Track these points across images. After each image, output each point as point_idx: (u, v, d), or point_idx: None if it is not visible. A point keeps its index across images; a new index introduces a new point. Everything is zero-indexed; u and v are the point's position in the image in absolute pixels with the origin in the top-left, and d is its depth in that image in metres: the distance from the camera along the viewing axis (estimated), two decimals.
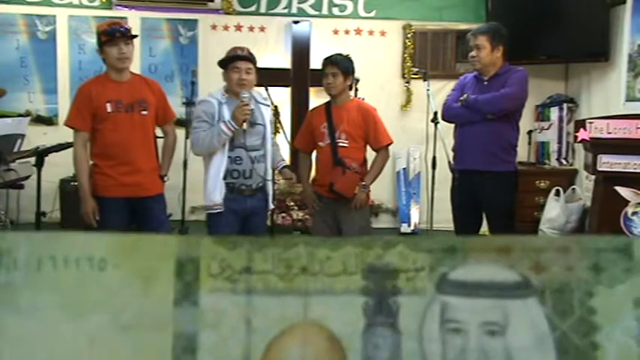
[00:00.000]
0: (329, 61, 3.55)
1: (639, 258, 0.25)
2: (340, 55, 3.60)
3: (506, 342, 0.25)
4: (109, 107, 3.17)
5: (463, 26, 5.80)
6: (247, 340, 0.26)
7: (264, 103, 3.44)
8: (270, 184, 3.45)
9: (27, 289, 0.27)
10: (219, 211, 3.25)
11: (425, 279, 0.27)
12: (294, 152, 5.53)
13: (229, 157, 3.26)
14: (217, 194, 3.23)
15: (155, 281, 0.27)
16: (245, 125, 3.18)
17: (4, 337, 0.26)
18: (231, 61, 3.30)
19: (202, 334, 0.26)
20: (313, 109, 3.83)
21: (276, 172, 3.54)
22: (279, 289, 0.27)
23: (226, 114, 3.24)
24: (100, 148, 3.23)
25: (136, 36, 3.34)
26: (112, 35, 3.16)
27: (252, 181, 3.31)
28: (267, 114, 3.43)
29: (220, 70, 5.86)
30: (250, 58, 3.33)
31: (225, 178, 3.26)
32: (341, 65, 3.50)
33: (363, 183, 3.53)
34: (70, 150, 4.05)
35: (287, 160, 3.61)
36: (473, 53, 3.55)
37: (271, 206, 3.52)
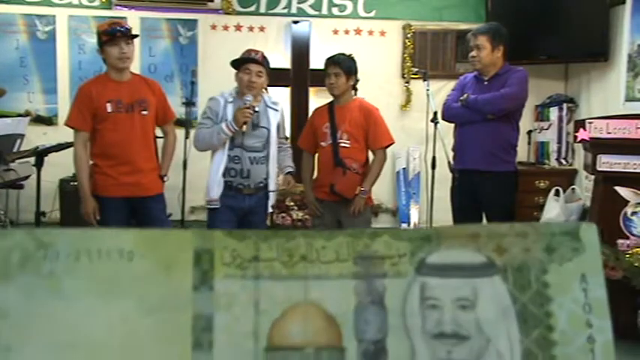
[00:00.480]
0: (331, 60, 3.55)
1: (584, 240, 0.32)
2: (343, 54, 3.60)
3: (476, 314, 0.31)
4: (109, 107, 3.17)
5: (463, 26, 5.80)
6: (256, 319, 0.33)
7: (272, 107, 3.47)
8: (272, 186, 3.46)
9: (68, 277, 0.33)
10: (215, 206, 3.34)
11: (406, 263, 0.33)
12: (293, 153, 5.53)
13: (228, 155, 3.32)
14: (215, 190, 3.32)
15: (176, 270, 0.33)
16: (245, 127, 3.21)
17: (48, 318, 0.32)
18: (244, 62, 3.36)
19: (217, 314, 0.32)
20: (316, 109, 3.82)
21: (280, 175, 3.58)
22: (282, 275, 0.33)
23: (229, 113, 3.30)
24: (100, 148, 3.23)
25: (136, 36, 3.34)
26: (113, 35, 3.15)
27: (250, 181, 3.34)
28: (275, 118, 3.45)
29: (220, 70, 5.85)
30: (262, 62, 3.38)
31: (224, 175, 3.33)
32: (343, 65, 3.50)
33: (362, 189, 3.52)
34: (70, 150, 4.05)
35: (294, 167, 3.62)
36: (473, 53, 3.55)
37: (270, 209, 3.55)
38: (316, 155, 3.74)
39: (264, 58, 3.43)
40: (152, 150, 3.35)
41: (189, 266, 0.33)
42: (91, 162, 3.29)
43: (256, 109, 3.33)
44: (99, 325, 0.32)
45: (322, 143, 3.61)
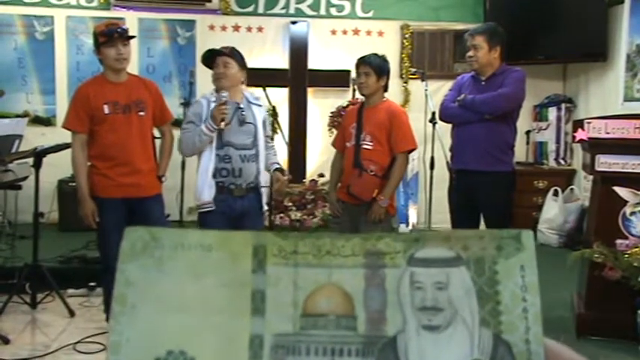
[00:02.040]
0: (362, 60, 3.51)
1: (524, 242, 0.47)
2: (375, 54, 3.55)
3: (448, 293, 0.46)
4: (106, 109, 3.16)
5: (461, 26, 5.80)
6: (294, 294, 0.47)
7: (255, 103, 3.41)
8: (262, 183, 3.40)
9: (169, 261, 0.48)
10: (208, 209, 3.24)
11: (401, 258, 0.47)
12: (291, 153, 5.54)
13: (218, 155, 3.24)
14: (206, 193, 3.23)
15: (240, 258, 0.48)
16: (223, 124, 3.13)
17: (157, 288, 0.47)
18: (211, 59, 3.34)
19: (268, 290, 0.47)
20: (350, 109, 3.78)
21: (270, 174, 3.48)
22: (313, 264, 0.47)
23: None
24: (97, 150, 3.22)
25: (133, 36, 3.33)
26: (110, 36, 3.14)
27: (242, 180, 3.27)
28: (260, 114, 3.38)
29: None
30: (228, 53, 3.33)
31: (214, 176, 3.24)
32: (374, 64, 3.46)
33: (382, 197, 3.44)
34: (68, 151, 4.05)
35: (282, 163, 3.54)
36: (470, 53, 3.54)
37: (265, 208, 3.46)
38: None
39: (233, 49, 3.39)
40: (150, 151, 3.34)
41: (250, 256, 0.48)
42: (89, 163, 3.28)
43: (240, 105, 3.28)
44: (189, 294, 0.48)
45: (347, 144, 3.59)
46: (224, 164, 3.24)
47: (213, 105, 3.25)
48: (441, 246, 0.48)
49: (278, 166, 3.42)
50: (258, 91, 3.93)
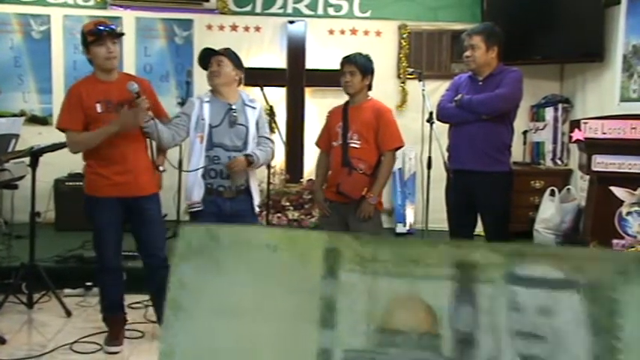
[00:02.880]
0: (347, 59, 3.54)
1: None
2: (359, 54, 3.58)
3: (554, 321, 0.35)
4: (98, 108, 3.15)
5: (458, 26, 5.80)
6: (370, 306, 0.39)
7: (250, 105, 3.42)
8: (254, 186, 3.38)
9: (228, 261, 0.42)
10: (197, 209, 3.25)
11: (497, 272, 0.38)
12: (288, 153, 5.54)
13: (207, 156, 3.25)
14: (195, 193, 3.25)
15: (309, 261, 0.39)
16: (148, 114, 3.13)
17: (212, 289, 0.41)
18: (206, 59, 3.38)
19: (339, 299, 0.39)
20: (333, 108, 3.80)
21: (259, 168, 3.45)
22: (393, 273, 0.39)
23: (206, 112, 3.28)
24: (92, 149, 3.21)
25: (122, 34, 3.31)
26: (99, 35, 3.11)
27: (231, 182, 3.26)
28: (253, 116, 3.38)
29: None
30: (222, 52, 3.37)
31: (204, 177, 3.25)
32: (359, 63, 3.49)
33: (371, 195, 3.48)
34: (65, 150, 4.03)
35: (278, 164, 3.52)
36: (467, 53, 3.54)
37: (257, 209, 3.43)
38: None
39: (227, 49, 3.43)
40: (144, 149, 3.32)
41: (320, 260, 0.40)
42: (84, 163, 3.27)
43: (233, 106, 3.30)
44: (250, 299, 0.40)
45: (334, 143, 3.60)
46: (213, 165, 3.25)
47: (207, 105, 3.29)
48: (547, 264, 0.40)
49: (251, 155, 3.29)
50: (255, 91, 3.92)
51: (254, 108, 3.42)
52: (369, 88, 3.61)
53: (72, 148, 3.26)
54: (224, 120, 3.28)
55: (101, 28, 3.13)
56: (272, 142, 3.51)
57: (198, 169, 3.23)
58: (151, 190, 3.31)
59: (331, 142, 3.63)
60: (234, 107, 3.29)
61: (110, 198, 3.18)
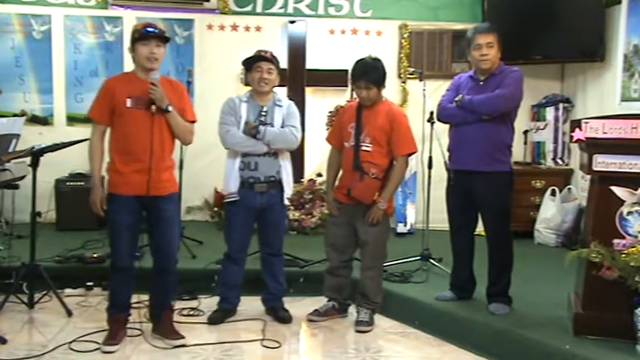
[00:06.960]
0: (361, 74, 3.50)
1: None
2: (369, 64, 3.53)
3: None
4: (128, 102, 3.18)
5: (459, 26, 5.81)
6: None
7: (278, 104, 3.66)
8: (285, 178, 3.61)
9: None
10: (234, 199, 3.57)
11: None
12: (289, 152, 5.52)
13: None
14: (232, 184, 3.57)
15: None
16: (154, 108, 3.16)
17: None
18: (255, 61, 3.56)
19: None
20: (347, 104, 3.79)
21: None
22: None
23: (243, 112, 3.55)
24: (116, 143, 3.23)
25: (169, 39, 3.33)
26: (146, 35, 3.18)
27: (260, 174, 3.55)
28: (280, 115, 3.62)
29: (216, 70, 5.86)
30: (272, 60, 3.59)
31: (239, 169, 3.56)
32: (374, 78, 3.49)
33: (381, 200, 3.49)
34: (66, 150, 4.05)
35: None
36: (484, 51, 3.45)
37: (286, 202, 3.68)
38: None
39: (274, 56, 3.63)
40: (167, 150, 3.31)
41: None
42: (107, 159, 3.28)
43: (264, 108, 3.58)
44: None
45: (346, 144, 3.61)
46: (243, 158, 3.57)
47: (244, 104, 3.59)
48: None
49: (260, 127, 3.52)
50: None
51: (280, 107, 3.65)
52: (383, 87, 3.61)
53: (89, 142, 3.31)
54: (256, 119, 3.57)
55: (149, 29, 3.20)
56: (296, 129, 3.64)
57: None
58: (170, 190, 3.31)
59: (343, 141, 3.64)
60: (265, 108, 3.58)
61: (127, 196, 3.19)
